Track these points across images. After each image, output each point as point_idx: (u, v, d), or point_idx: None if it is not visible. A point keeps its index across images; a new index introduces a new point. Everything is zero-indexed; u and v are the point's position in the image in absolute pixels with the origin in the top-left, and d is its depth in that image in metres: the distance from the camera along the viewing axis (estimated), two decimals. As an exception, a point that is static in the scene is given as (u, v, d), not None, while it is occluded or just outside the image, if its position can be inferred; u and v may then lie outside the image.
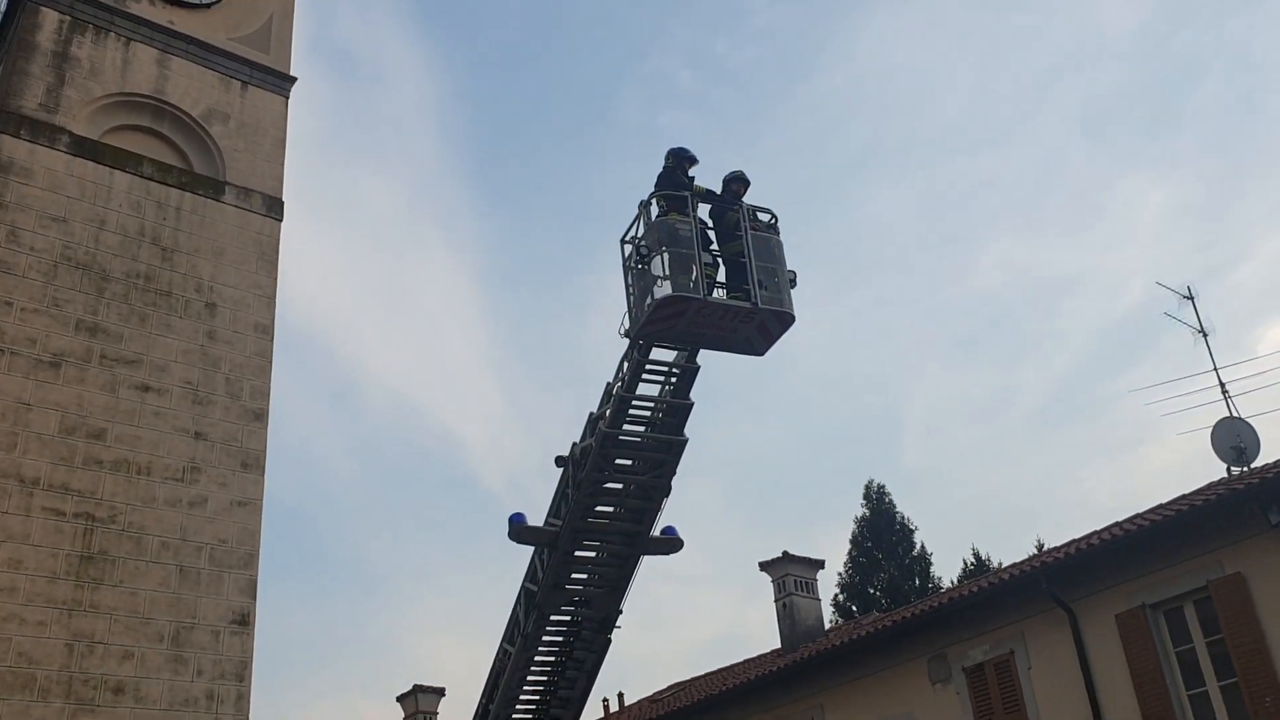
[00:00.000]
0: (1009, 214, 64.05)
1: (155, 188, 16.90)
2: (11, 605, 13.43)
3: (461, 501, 61.05)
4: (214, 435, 15.81)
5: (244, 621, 15.06)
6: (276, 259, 17.57)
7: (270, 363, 16.77)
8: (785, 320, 10.41)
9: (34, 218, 15.60)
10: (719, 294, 10.43)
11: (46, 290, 15.26)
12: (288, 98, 19.06)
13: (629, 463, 11.43)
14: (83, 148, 16.45)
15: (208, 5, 18.73)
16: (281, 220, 17.98)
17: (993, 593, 15.03)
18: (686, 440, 11.12)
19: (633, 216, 10.83)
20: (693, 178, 11.18)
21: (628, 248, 10.77)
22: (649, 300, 10.24)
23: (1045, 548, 23.68)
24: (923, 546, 32.10)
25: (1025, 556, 17.55)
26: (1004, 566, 16.55)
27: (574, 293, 67.21)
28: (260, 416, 16.34)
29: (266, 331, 16.93)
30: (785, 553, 19.39)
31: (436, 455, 60.62)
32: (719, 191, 11.18)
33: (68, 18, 17.24)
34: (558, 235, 66.25)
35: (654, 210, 10.69)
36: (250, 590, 15.28)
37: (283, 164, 18.44)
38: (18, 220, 15.45)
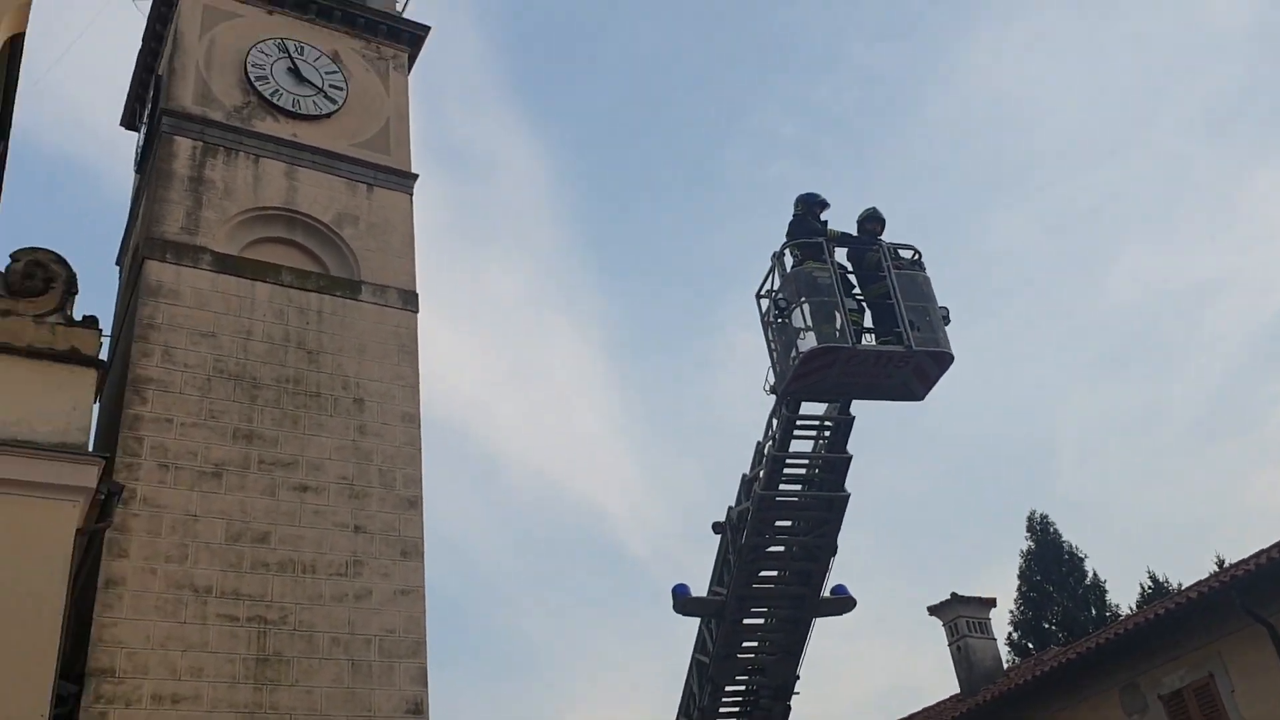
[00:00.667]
0: (1138, 225, 61.31)
1: (295, 294, 17.04)
2: (197, 713, 13.34)
3: (612, 573, 60.19)
4: (372, 527, 15.65)
5: (419, 710, 14.71)
6: (416, 349, 17.51)
7: (420, 451, 16.63)
8: (944, 360, 9.59)
9: (185, 335, 15.80)
10: (868, 340, 9.66)
11: (203, 404, 15.38)
12: (411, 194, 19.13)
13: (789, 524, 10.66)
14: (224, 264, 16.67)
15: (328, 115, 18.95)
16: (417, 312, 17.95)
17: (1182, 614, 13.87)
18: (848, 495, 10.34)
19: (764, 270, 10.22)
20: (825, 222, 10.48)
21: (764, 302, 10.12)
22: (794, 354, 9.55)
23: (1227, 563, 21.91)
24: (1095, 574, 30.16)
25: (1207, 574, 16.21)
26: (1188, 586, 15.30)
27: (699, 353, 66.60)
28: (415, 504, 16.14)
29: (413, 420, 16.83)
30: (954, 594, 18.27)
31: (582, 529, 60.10)
32: (854, 233, 10.45)
33: (200, 143, 17.59)
34: (677, 298, 65.87)
35: (788, 260, 10.03)
36: (421, 678, 14.95)
37: (413, 258, 18.45)
38: (170, 340, 15.65)
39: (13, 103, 14.12)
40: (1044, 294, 59.35)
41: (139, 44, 20.92)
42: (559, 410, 59.91)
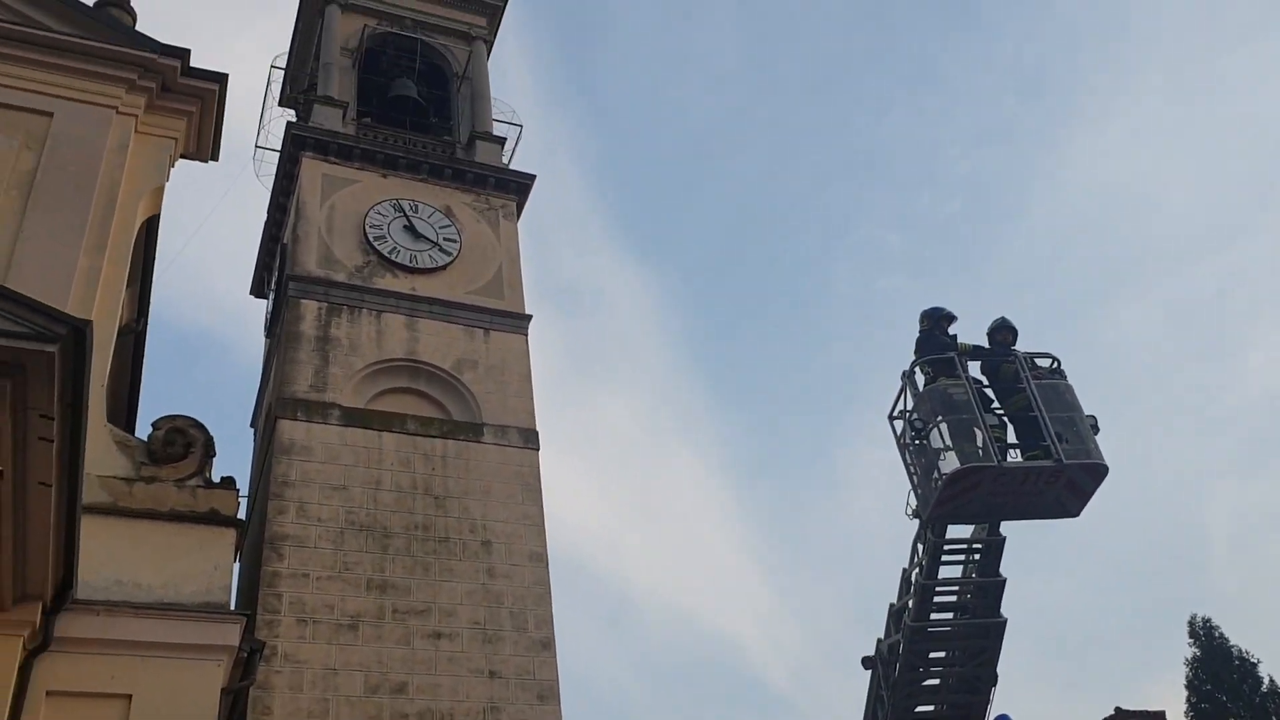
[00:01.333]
0: (1269, 307, 58.36)
1: (421, 441, 17.01)
2: None
3: (754, 707, 57.53)
4: (507, 671, 15.17)
5: None
6: (540, 487, 17.25)
7: (549, 590, 16.24)
8: (1098, 473, 8.82)
9: (318, 490, 15.81)
10: (1013, 457, 8.91)
11: (337, 556, 15.27)
12: (526, 335, 19.14)
13: (943, 654, 9.79)
14: (352, 418, 16.77)
15: (444, 267, 19.17)
16: (538, 449, 17.74)
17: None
18: (1005, 620, 9.46)
19: (890, 389, 9.65)
20: (954, 336, 9.86)
21: (899, 424, 9.50)
22: (936, 476, 8.88)
23: None
24: (1272, 681, 27.66)
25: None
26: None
27: (822, 473, 65.04)
28: (548, 645, 15.66)
29: (541, 559, 16.47)
30: (1118, 709, 16.81)
31: (718, 662, 57.65)
32: (985, 345, 9.80)
33: (324, 304, 17.88)
34: (795, 418, 64.68)
35: (919, 378, 9.43)
36: (564, 826, 14.21)
37: (531, 396, 18.35)
38: (304, 495, 15.66)
39: (151, 281, 14.52)
40: (1176, 385, 56.65)
41: (264, 216, 21.66)
42: (685, 539, 58.85)
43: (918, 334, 9.84)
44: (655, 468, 61.07)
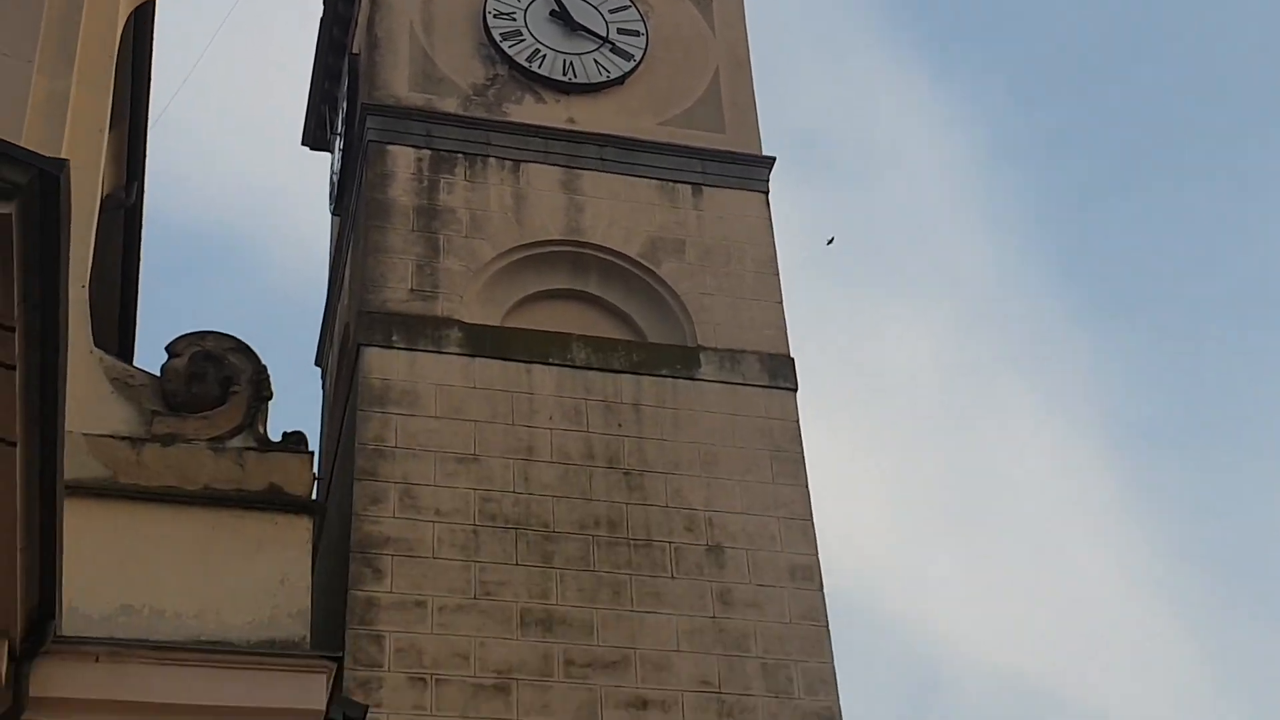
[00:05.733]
0: None
1: (596, 379, 17.02)
2: None
3: None
4: (763, 766, 15.12)
5: None
6: (802, 454, 17.13)
7: (826, 629, 16.11)
8: None
9: (432, 464, 15.94)
10: None
11: (469, 574, 15.36)
12: (766, 193, 18.96)
13: None
14: (482, 342, 16.85)
15: (620, 80, 19.05)
16: (796, 390, 17.60)
17: None
18: None
19: None
20: None
21: None
22: None
23: None
24: None
25: None
26: None
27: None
28: None
29: (811, 577, 16.29)
30: None
31: None
32: None
33: (426, 151, 17.98)
34: (1230, 350, 61.64)
35: None
36: None
37: (781, 300, 18.25)
38: (411, 473, 15.79)
39: (145, 124, 14.72)
40: None
41: (319, 14, 21.95)
42: (1035, 557, 57.44)
43: None
44: (976, 432, 59.76)
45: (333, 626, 14.97)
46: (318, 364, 20.94)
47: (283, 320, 56.80)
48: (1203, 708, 54.34)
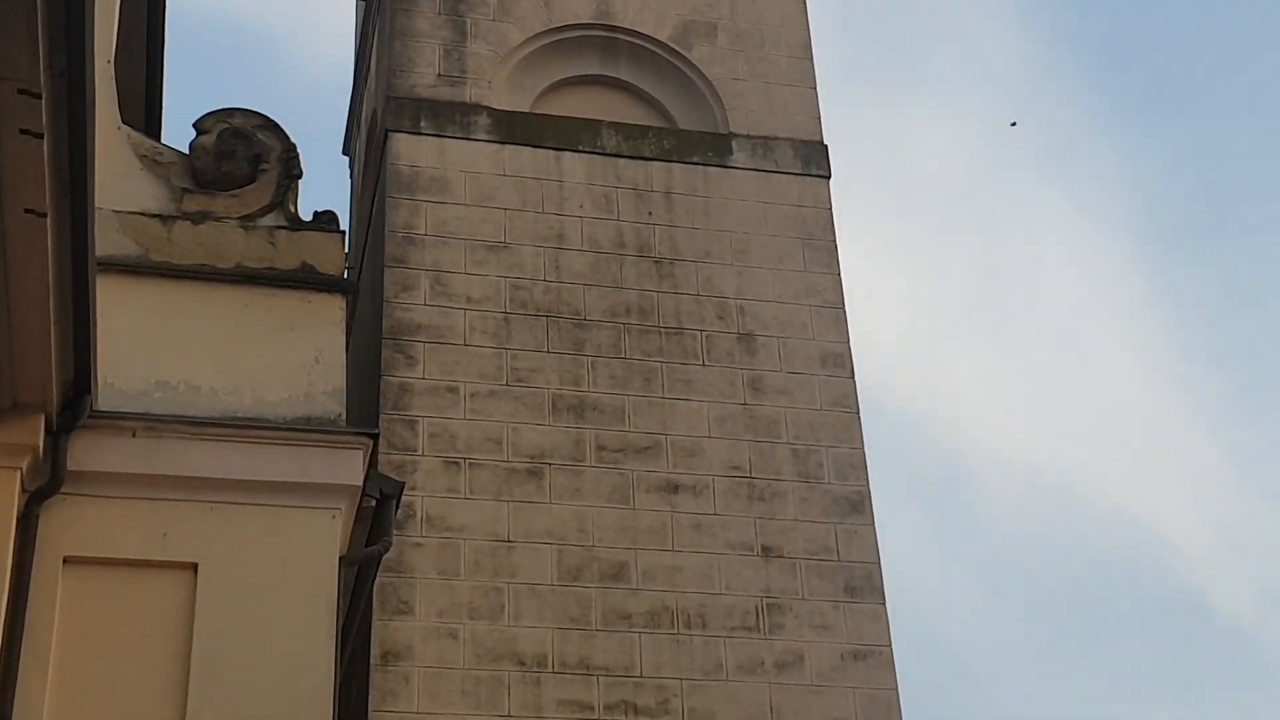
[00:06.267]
0: None
1: (627, 166, 17.02)
2: None
3: (1184, 643, 55.52)
4: (792, 548, 15.32)
5: None
6: (835, 242, 17.16)
7: (857, 416, 16.26)
8: None
9: (462, 251, 15.98)
10: None
11: (501, 361, 15.48)
12: (805, -30, 18.74)
13: None
14: (512, 128, 16.81)
15: None
16: (829, 177, 17.58)
17: None
18: None
19: None
20: None
21: None
22: None
23: None
24: None
25: None
26: None
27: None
28: (859, 507, 15.72)
29: (842, 364, 16.41)
30: None
31: (1114, 567, 55.83)
32: None
33: (454, -73, 17.69)
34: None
35: None
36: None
37: (815, 86, 18.10)
38: (440, 259, 15.84)
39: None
40: None
41: None
42: (1059, 356, 57.42)
43: None
44: (1003, 233, 59.44)
45: (366, 412, 15.15)
46: (345, 152, 20.89)
47: (310, 111, 56.70)
48: (1223, 503, 55.05)
